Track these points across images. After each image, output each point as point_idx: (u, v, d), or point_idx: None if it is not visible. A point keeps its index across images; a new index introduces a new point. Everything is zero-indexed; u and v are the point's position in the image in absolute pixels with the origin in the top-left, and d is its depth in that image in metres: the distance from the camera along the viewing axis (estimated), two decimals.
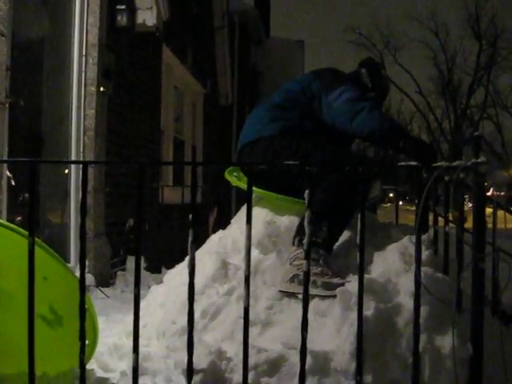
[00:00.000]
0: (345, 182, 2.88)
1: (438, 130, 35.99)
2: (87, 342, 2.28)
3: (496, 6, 33.92)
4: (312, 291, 2.51)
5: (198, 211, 2.26)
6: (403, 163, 2.24)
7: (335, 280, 2.69)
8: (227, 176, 3.51)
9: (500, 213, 3.60)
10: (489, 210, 2.57)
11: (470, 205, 2.59)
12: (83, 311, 2.21)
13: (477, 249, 2.20)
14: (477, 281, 2.25)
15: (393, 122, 3.13)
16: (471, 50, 34.44)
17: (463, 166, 2.20)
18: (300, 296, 2.68)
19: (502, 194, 37.59)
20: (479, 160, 2.14)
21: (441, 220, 3.05)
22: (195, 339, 2.20)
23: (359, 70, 3.48)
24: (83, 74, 5.22)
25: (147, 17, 5.98)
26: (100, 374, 2.62)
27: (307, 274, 2.12)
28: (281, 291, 2.76)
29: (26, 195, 4.36)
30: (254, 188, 3.04)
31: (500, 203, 3.12)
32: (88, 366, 2.38)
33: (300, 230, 2.86)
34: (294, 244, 2.88)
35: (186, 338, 2.17)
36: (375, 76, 3.49)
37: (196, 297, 2.31)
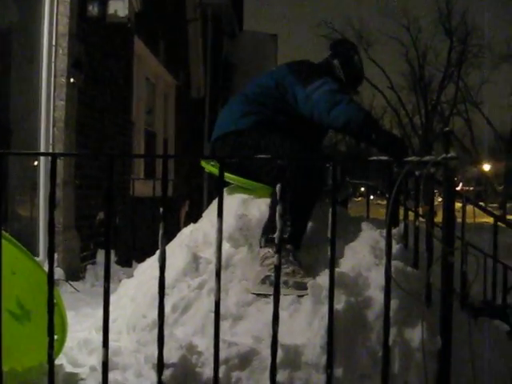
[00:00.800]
0: (304, 175, 2.90)
1: (409, 125, 36.36)
2: (56, 336, 2.26)
3: (467, 4, 34.35)
4: (284, 291, 2.51)
5: (169, 204, 2.24)
6: (375, 157, 2.24)
7: (307, 279, 2.69)
8: (203, 163, 3.49)
9: (469, 207, 3.66)
10: (458, 205, 2.60)
11: (440, 199, 2.61)
12: (52, 306, 2.18)
13: (446, 243, 2.22)
14: (446, 274, 2.27)
15: (368, 115, 3.15)
16: (442, 47, 34.79)
17: (433, 161, 2.21)
18: (271, 298, 2.69)
19: (471, 189, 38.18)
20: (449, 155, 2.15)
21: (411, 214, 3.08)
22: (166, 333, 2.19)
23: (331, 62, 3.48)
24: (53, 64, 5.13)
25: (119, 7, 5.90)
26: (69, 369, 2.59)
27: (278, 268, 2.12)
28: (253, 293, 2.76)
29: None
30: (227, 174, 3.06)
31: (469, 198, 3.15)
32: (57, 361, 2.35)
33: (266, 229, 2.87)
34: (261, 245, 2.88)
35: (156, 332, 2.16)
36: (348, 67, 3.49)
37: (167, 291, 2.29)
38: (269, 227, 2.85)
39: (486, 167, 36.91)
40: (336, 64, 3.46)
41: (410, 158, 2.22)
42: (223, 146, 3.23)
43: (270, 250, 2.78)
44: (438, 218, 2.60)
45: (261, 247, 2.87)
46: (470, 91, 34.30)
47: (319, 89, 3.12)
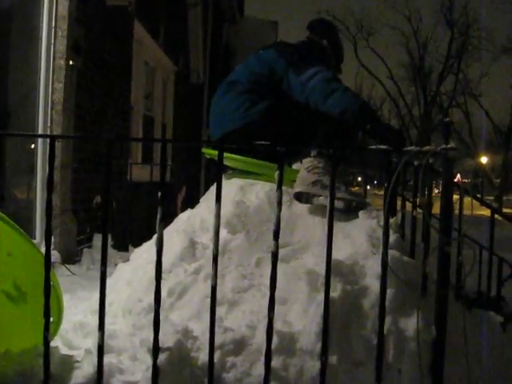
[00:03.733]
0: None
1: (408, 116, 36.35)
2: (52, 319, 2.26)
3: None
4: (338, 194, 2.72)
5: (167, 190, 2.24)
6: (373, 146, 2.24)
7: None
8: (205, 150, 3.49)
9: (466, 200, 3.66)
10: (455, 197, 2.60)
11: (437, 191, 2.61)
12: (48, 288, 2.18)
13: (443, 233, 2.22)
14: (442, 265, 2.28)
15: (364, 103, 3.16)
16: (443, 38, 34.74)
17: (433, 152, 2.21)
18: (321, 199, 2.90)
19: (468, 181, 38.23)
20: (449, 146, 2.16)
21: (408, 204, 3.08)
22: (161, 318, 2.20)
23: (320, 42, 3.50)
24: (52, 46, 5.10)
25: None
26: (64, 351, 2.59)
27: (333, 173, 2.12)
28: (299, 192, 2.94)
29: None
30: (235, 156, 3.09)
31: (467, 190, 3.16)
32: (52, 344, 2.35)
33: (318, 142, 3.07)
34: (310, 155, 3.03)
35: (152, 316, 2.17)
36: (336, 48, 3.55)
37: (163, 275, 2.30)
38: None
39: (484, 160, 36.95)
40: (326, 45, 3.48)
41: (409, 148, 2.22)
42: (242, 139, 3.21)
43: (321, 160, 2.96)
44: (435, 210, 2.61)
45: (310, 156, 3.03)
46: (470, 83, 34.28)
47: (314, 77, 3.13)
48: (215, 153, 3.34)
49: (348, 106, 3.03)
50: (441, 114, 34.01)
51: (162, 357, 2.23)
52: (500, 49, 32.96)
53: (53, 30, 5.09)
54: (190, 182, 11.53)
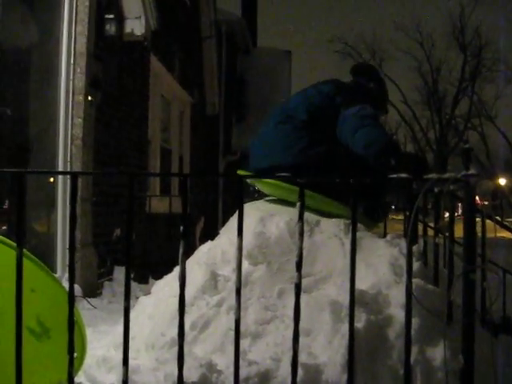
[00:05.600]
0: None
1: (424, 140, 36.25)
2: (76, 354, 2.26)
3: (480, 18, 34.35)
4: None
5: (187, 222, 2.24)
6: (394, 175, 2.23)
7: None
8: (254, 182, 3.54)
9: (489, 222, 3.62)
10: (477, 220, 2.58)
11: (457, 214, 2.60)
12: (72, 323, 2.18)
13: (467, 260, 2.20)
14: (467, 292, 2.25)
15: (391, 139, 3.22)
16: (456, 61, 34.75)
17: (454, 178, 2.20)
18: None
19: (487, 203, 37.91)
20: (469, 172, 2.14)
21: (430, 231, 3.06)
22: (185, 351, 2.18)
23: (367, 85, 3.56)
24: (71, 82, 5.19)
25: (135, 26, 5.98)
26: None
27: None
28: None
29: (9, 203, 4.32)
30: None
31: (490, 214, 3.13)
32: (76, 379, 2.35)
33: None
34: None
35: (175, 350, 2.16)
36: (381, 90, 3.63)
37: (186, 308, 2.29)
38: None
39: (502, 181, 36.64)
40: (373, 87, 3.57)
41: (429, 176, 2.21)
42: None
43: None
44: (458, 233, 2.59)
45: None
46: (485, 105, 34.20)
47: (357, 113, 3.18)
48: (265, 187, 3.39)
49: (373, 140, 3.07)
50: (456, 137, 33.90)
51: None
52: None
53: (71, 66, 5.19)
54: (208, 212, 11.56)
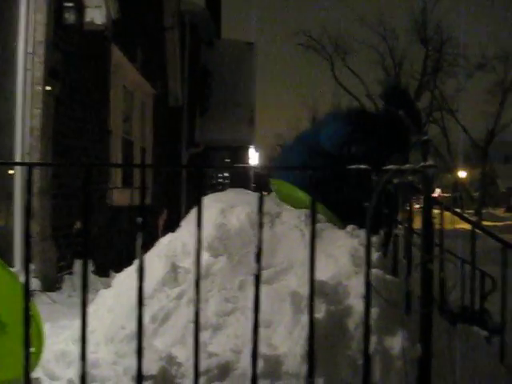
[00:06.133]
0: None
1: None
2: (33, 349, 2.21)
3: (442, 13, 34.82)
4: None
5: (147, 214, 2.22)
6: (353, 166, 2.24)
7: None
8: (274, 182, 3.63)
9: (448, 214, 3.68)
10: (436, 211, 2.62)
11: (418, 205, 2.63)
12: (28, 317, 2.14)
13: (425, 250, 2.22)
14: (425, 282, 2.27)
15: (351, 132, 3.35)
16: (418, 56, 35.16)
17: (412, 169, 2.22)
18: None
19: (448, 195, 38.56)
20: (427, 163, 2.17)
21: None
22: (145, 344, 2.16)
23: (396, 113, 3.67)
24: (29, 72, 5.07)
25: (96, 15, 5.87)
26: (46, 382, 2.54)
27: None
28: None
29: None
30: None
31: (448, 206, 3.18)
32: (34, 375, 2.31)
33: None
34: None
35: (135, 343, 2.13)
36: (413, 113, 3.75)
37: (145, 301, 2.27)
38: None
39: (462, 174, 37.33)
40: (402, 114, 3.66)
41: (388, 167, 2.23)
42: None
43: None
44: (417, 224, 2.62)
45: None
46: (446, 99, 34.68)
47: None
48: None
49: (331, 135, 3.38)
50: None
51: None
52: (475, 65, 33.47)
53: (30, 55, 5.06)
54: (171, 204, 11.48)
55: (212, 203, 3.25)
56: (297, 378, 2.27)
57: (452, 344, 2.54)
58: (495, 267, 3.70)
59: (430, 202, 2.22)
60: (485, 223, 24.56)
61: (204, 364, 2.27)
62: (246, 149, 18.34)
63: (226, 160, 18.64)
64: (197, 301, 2.11)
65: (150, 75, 9.83)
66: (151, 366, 2.28)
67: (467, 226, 3.89)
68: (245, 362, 2.31)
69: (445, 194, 39.25)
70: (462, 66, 33.44)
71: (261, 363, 2.22)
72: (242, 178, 15.56)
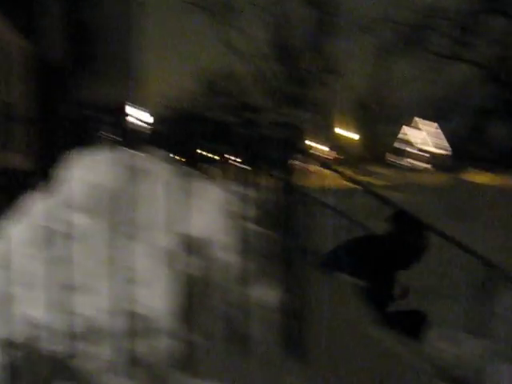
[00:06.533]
0: None
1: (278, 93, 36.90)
2: None
3: None
4: None
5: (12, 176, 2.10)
6: (220, 118, 2.23)
7: None
8: None
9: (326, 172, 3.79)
10: (317, 169, 2.66)
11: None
12: None
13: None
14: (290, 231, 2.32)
15: None
16: (305, 18, 35.47)
17: (284, 123, 2.25)
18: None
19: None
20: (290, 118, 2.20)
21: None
22: (14, 310, 2.08)
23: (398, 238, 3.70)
24: None
25: None
26: None
27: None
28: None
29: None
30: None
31: (328, 164, 3.28)
32: None
33: None
34: None
35: (3, 309, 2.04)
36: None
37: (14, 266, 2.17)
38: None
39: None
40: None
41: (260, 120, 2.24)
42: None
43: None
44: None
45: None
46: (333, 60, 35.38)
47: None
48: None
49: None
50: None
51: (15, 352, 2.11)
52: (360, 27, 34.24)
53: None
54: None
55: (81, 162, 3.10)
56: (171, 334, 2.26)
57: (327, 294, 2.62)
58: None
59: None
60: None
61: (75, 327, 2.20)
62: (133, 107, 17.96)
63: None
64: (69, 263, 2.05)
65: (26, 30, 9.31)
66: (20, 333, 2.18)
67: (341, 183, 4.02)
68: (117, 322, 2.26)
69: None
70: (348, 27, 34.19)
71: (132, 323, 2.19)
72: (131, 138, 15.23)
